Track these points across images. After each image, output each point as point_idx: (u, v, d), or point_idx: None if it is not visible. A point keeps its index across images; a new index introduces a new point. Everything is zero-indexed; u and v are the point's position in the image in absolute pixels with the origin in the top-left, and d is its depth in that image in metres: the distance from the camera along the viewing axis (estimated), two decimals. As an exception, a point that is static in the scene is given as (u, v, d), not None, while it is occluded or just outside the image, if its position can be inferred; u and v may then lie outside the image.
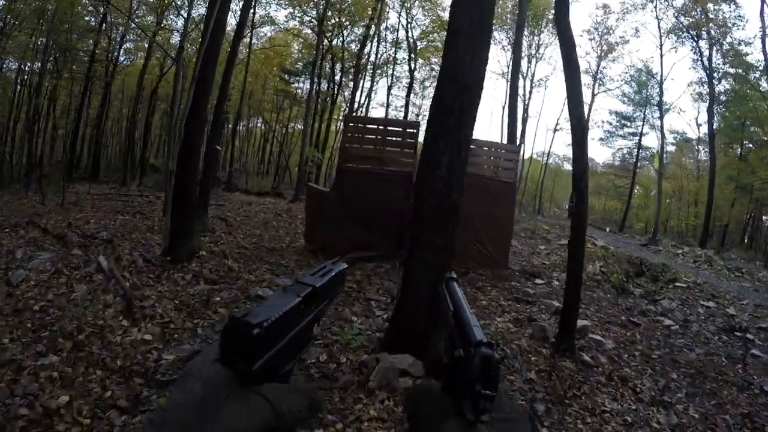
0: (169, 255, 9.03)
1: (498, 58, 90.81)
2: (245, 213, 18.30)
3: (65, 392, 4.63)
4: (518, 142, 23.39)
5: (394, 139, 11.20)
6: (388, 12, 33.98)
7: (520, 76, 39.35)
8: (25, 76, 28.26)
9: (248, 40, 30.52)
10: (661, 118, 32.74)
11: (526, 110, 38.56)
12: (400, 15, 35.06)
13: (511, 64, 28.15)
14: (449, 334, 1.06)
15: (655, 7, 31.27)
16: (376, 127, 11.43)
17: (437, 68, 40.55)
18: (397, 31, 36.15)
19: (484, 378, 0.87)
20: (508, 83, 37.57)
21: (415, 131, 11.24)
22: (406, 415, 1.18)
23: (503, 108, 57.99)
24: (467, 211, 10.46)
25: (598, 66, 39.23)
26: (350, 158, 10.90)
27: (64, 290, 7.20)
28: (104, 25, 28.60)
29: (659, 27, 31.24)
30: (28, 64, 27.45)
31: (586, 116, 37.81)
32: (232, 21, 19.92)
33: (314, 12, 30.68)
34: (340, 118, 44.17)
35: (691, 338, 8.85)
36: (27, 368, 4.96)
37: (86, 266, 8.34)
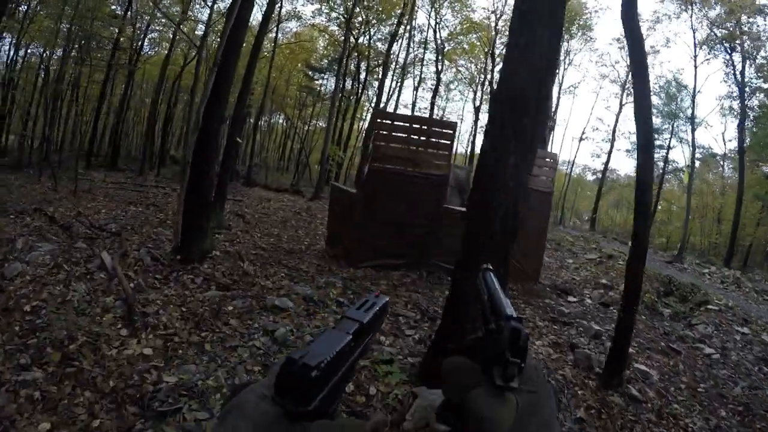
0: (180, 254, 8.28)
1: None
2: (263, 210, 17.63)
3: (46, 418, 3.98)
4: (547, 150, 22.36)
5: (428, 139, 10.37)
6: (417, 11, 32.89)
7: None
8: (50, 63, 27.93)
9: (274, 34, 30.20)
10: (692, 131, 31.53)
11: (552, 117, 37.36)
12: (429, 15, 34.21)
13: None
14: (482, 312, 0.97)
15: (691, 16, 29.96)
16: (409, 125, 10.60)
17: (463, 71, 40.34)
18: (425, 32, 35.28)
19: (513, 348, 0.85)
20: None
21: (451, 132, 10.44)
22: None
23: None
24: None
25: (627, 75, 37.46)
26: (381, 157, 10.07)
27: (60, 288, 6.47)
28: (129, 12, 28.31)
29: (694, 37, 29.98)
30: (52, 50, 26.83)
31: (614, 125, 37.49)
32: (258, 14, 19.30)
33: (342, 8, 30.32)
34: (364, 117, 43.99)
35: (732, 369, 8.13)
36: (6, 384, 4.28)
37: (89, 262, 7.62)
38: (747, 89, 29.60)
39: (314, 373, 0.87)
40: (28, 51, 28.22)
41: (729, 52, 29.36)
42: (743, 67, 29.17)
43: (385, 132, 10.27)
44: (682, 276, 15.94)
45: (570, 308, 9.77)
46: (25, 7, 24.07)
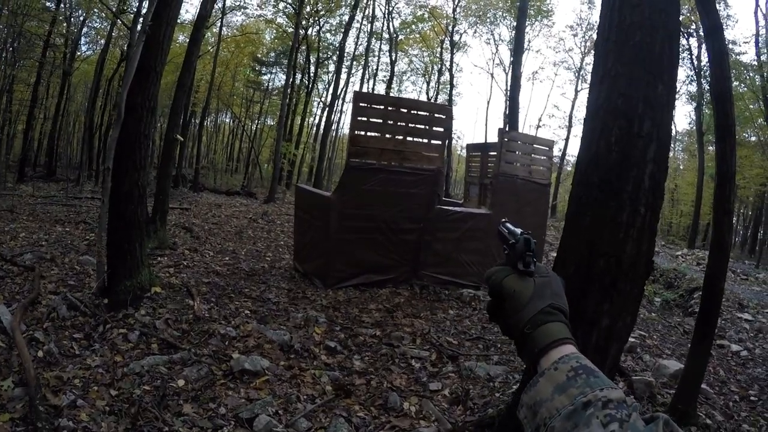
0: (107, 296, 6.15)
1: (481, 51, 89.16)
2: (214, 219, 15.51)
3: None
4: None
5: (418, 126, 8.49)
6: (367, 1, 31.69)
7: (502, 70, 37.77)
8: None
9: (218, 28, 29.17)
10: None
11: (507, 106, 36.51)
12: (381, 4, 32.66)
13: (512, 51, 25.76)
14: (506, 236, 1.12)
15: None
16: (395, 109, 8.48)
17: (417, 61, 39.54)
18: (377, 21, 33.94)
19: (527, 249, 1.03)
20: (508, 74, 36.43)
21: (444, 117, 8.52)
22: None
23: (487, 103, 56.90)
24: (494, 221, 8.36)
25: (582, 62, 37.68)
26: (361, 151, 8.08)
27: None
28: (62, 5, 26.21)
29: None
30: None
31: (570, 112, 36.91)
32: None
33: None
34: (314, 112, 43.33)
35: (764, 366, 7.20)
36: None
37: (-18, 318, 5.54)
38: (703, 73, 29.36)
39: None
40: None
41: (686, 37, 29.20)
42: (699, 51, 29.08)
43: (365, 119, 8.21)
44: (657, 259, 14.73)
45: None
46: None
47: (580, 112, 40.04)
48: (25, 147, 27.70)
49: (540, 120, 40.82)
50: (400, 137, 8.26)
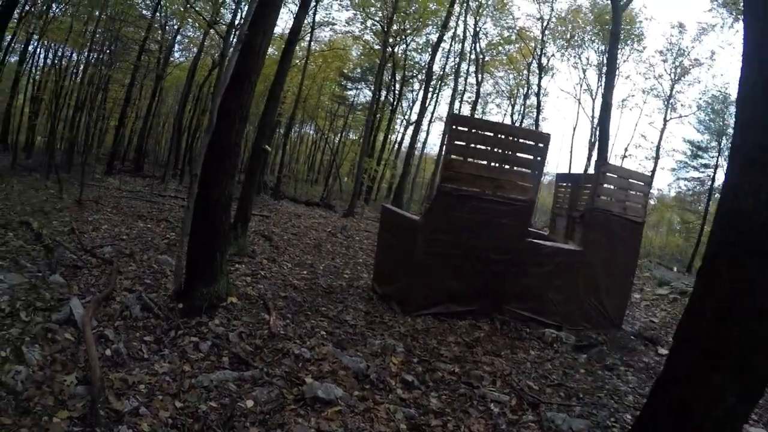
0: (182, 301, 6.05)
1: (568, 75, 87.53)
2: (294, 229, 15.46)
3: None
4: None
5: (514, 154, 8.09)
6: (458, 17, 31.71)
7: (589, 96, 36.56)
8: (80, 65, 27.08)
9: (306, 42, 29.32)
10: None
11: (594, 133, 35.20)
12: (466, 23, 32.24)
13: (604, 75, 24.79)
14: None
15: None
16: (493, 135, 8.10)
17: (502, 83, 39.74)
18: (463, 41, 33.44)
19: None
20: (595, 100, 35.66)
21: (543, 146, 8.07)
22: None
23: (573, 129, 55.35)
24: (586, 258, 8.57)
25: (672, 89, 35.55)
26: (454, 176, 7.73)
27: (5, 355, 4.28)
28: (158, 13, 27.54)
29: None
30: (81, 53, 26.15)
31: (658, 142, 35.58)
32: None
33: (378, 16, 29.08)
34: (397, 130, 43.19)
35: None
36: None
37: (56, 310, 5.45)
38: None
39: None
40: (58, 53, 26.95)
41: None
42: None
43: (461, 143, 7.87)
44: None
45: (663, 364, 7.46)
46: (54, 7, 23.00)
47: (669, 143, 38.39)
48: (115, 142, 29.09)
49: (626, 150, 38.93)
50: (496, 164, 7.89)
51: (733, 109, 33.10)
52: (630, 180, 9.67)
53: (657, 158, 36.84)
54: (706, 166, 38.32)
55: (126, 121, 30.80)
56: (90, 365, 4.19)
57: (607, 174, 9.12)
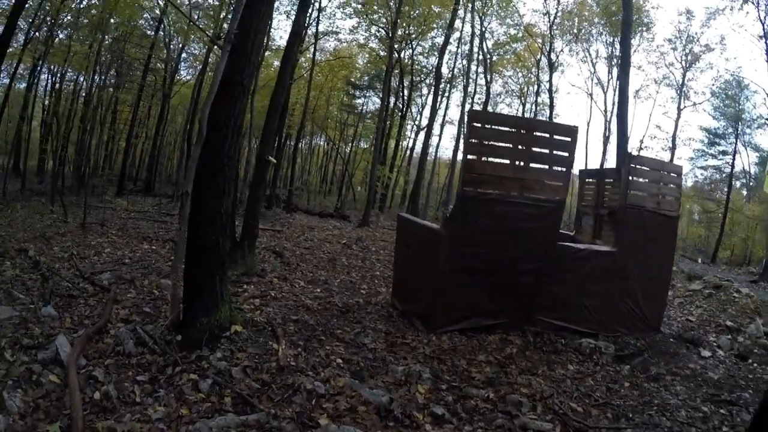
0: (181, 332, 5.42)
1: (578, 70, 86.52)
2: (307, 243, 14.85)
3: None
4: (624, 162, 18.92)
5: (540, 151, 7.38)
6: (464, 18, 31.38)
7: (601, 90, 35.84)
8: (87, 88, 26.83)
9: (311, 53, 29.45)
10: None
11: (608, 127, 34.59)
12: (473, 24, 31.78)
13: (618, 66, 24.01)
14: None
15: (758, 6, 26.15)
16: (516, 131, 7.34)
17: (511, 82, 39.50)
18: (469, 42, 32.96)
19: None
20: (606, 93, 35.16)
21: (571, 140, 7.39)
22: None
23: (587, 124, 54.49)
24: (621, 259, 7.90)
25: (683, 78, 34.58)
26: (476, 179, 7.05)
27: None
28: (162, 31, 27.76)
29: (764, 28, 26.00)
30: (88, 76, 25.87)
31: (673, 132, 34.84)
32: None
33: (382, 21, 28.86)
34: (408, 136, 42.76)
35: None
36: None
37: (43, 348, 4.89)
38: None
39: None
40: (65, 77, 27.56)
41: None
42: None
43: (482, 141, 7.17)
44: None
45: (712, 370, 7.19)
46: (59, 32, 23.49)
47: (684, 133, 37.57)
48: (125, 163, 28.84)
49: (642, 142, 38.10)
50: (521, 163, 7.21)
51: (747, 92, 32.69)
52: (662, 172, 8.99)
53: (674, 148, 35.74)
54: (724, 153, 38.03)
55: (135, 141, 30.69)
56: (72, 415, 3.64)
57: (638, 167, 8.43)
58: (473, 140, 7.12)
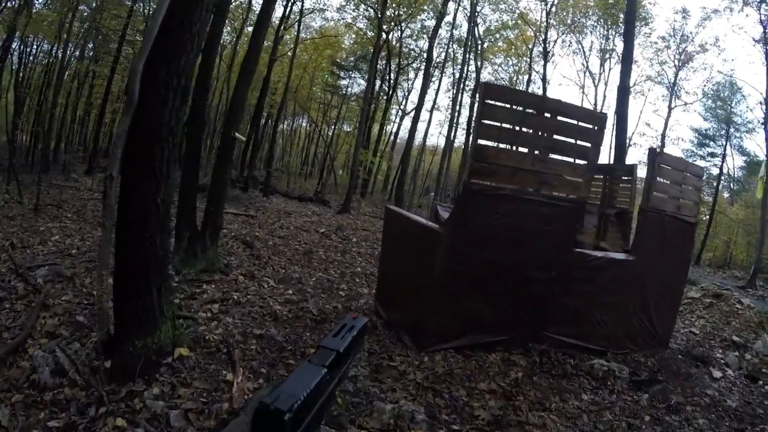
0: (111, 355, 4.19)
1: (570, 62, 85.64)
2: (282, 231, 13.70)
3: None
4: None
5: (562, 140, 6.18)
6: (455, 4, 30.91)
7: (592, 82, 35.38)
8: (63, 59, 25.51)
9: (295, 30, 28.66)
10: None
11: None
12: (466, 8, 31.25)
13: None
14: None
15: (759, 8, 25.35)
16: (536, 113, 6.06)
17: (501, 70, 38.92)
18: (461, 27, 32.69)
19: None
20: (608, 84, 35.22)
21: (598, 130, 6.18)
22: None
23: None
24: (638, 268, 7.00)
25: (675, 77, 34.47)
26: (486, 170, 5.79)
27: None
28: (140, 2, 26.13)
29: (765, 32, 25.18)
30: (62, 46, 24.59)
31: (663, 130, 34.92)
32: None
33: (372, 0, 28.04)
34: (393, 120, 42.30)
35: None
36: None
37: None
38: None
39: (287, 416, 0.97)
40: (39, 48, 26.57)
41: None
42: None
43: (494, 123, 5.86)
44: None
45: (727, 395, 6.50)
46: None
47: (674, 132, 37.50)
48: (96, 139, 27.39)
49: (630, 139, 37.74)
50: (539, 152, 6.01)
51: (740, 96, 32.34)
52: (685, 173, 7.91)
53: (662, 147, 35.18)
54: (713, 155, 37.59)
55: (111, 117, 28.99)
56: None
57: (662, 166, 7.34)
58: (486, 121, 5.79)
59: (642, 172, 9.38)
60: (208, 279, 7.50)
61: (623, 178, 9.65)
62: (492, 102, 5.77)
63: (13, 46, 25.59)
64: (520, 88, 36.61)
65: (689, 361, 7.48)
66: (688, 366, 7.26)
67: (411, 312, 6.24)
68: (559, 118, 6.03)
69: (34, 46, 26.47)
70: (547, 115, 6.00)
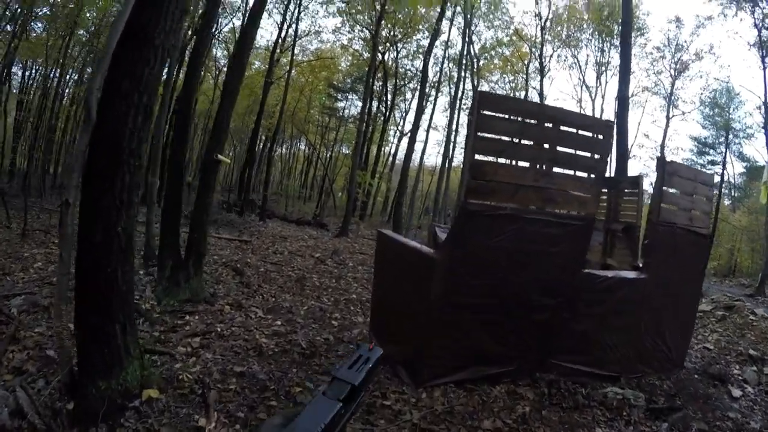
0: (75, 396, 3.80)
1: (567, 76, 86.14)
2: (275, 257, 13.31)
3: None
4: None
5: (566, 152, 5.69)
6: (451, 20, 30.82)
7: (589, 96, 35.41)
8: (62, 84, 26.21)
9: (291, 52, 28.70)
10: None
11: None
12: (457, 23, 31.13)
13: (619, 65, 23.20)
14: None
15: (752, 12, 25.53)
16: (538, 123, 5.54)
17: (497, 88, 38.99)
18: (456, 46, 32.67)
19: None
20: (605, 97, 35.28)
21: (604, 140, 5.75)
22: None
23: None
24: (651, 287, 6.52)
25: (672, 87, 34.71)
26: (484, 188, 5.29)
27: None
28: None
29: (760, 36, 25.43)
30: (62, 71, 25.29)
31: (662, 141, 35.04)
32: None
33: (367, 21, 28.73)
34: (391, 141, 42.77)
35: None
36: None
37: None
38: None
39: None
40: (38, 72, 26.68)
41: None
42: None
43: (492, 136, 5.37)
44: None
45: (750, 416, 5.99)
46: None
47: (673, 142, 37.72)
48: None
49: (629, 151, 37.76)
50: (543, 167, 5.54)
51: (737, 101, 32.50)
52: (696, 183, 7.47)
53: (662, 157, 34.95)
54: (713, 162, 38.01)
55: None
56: None
57: (673, 176, 6.91)
58: (482, 134, 5.30)
59: (647, 184, 9.07)
60: (192, 310, 7.06)
61: (626, 190, 9.24)
62: (488, 113, 5.28)
63: (14, 70, 25.93)
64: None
65: (706, 381, 7.04)
66: (706, 386, 6.82)
67: (407, 343, 5.73)
68: (562, 127, 5.58)
69: (33, 70, 26.76)
70: (549, 125, 5.54)
